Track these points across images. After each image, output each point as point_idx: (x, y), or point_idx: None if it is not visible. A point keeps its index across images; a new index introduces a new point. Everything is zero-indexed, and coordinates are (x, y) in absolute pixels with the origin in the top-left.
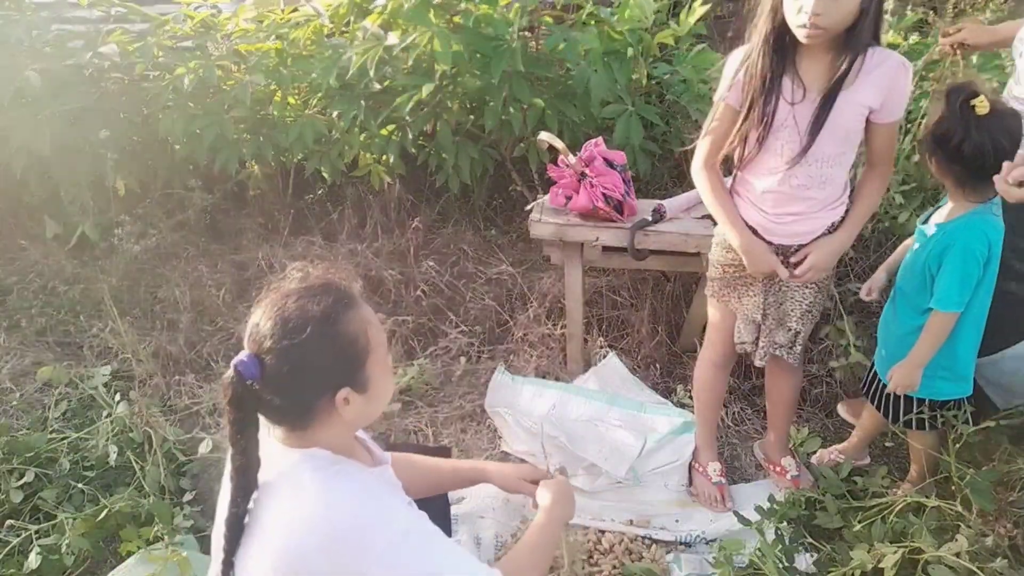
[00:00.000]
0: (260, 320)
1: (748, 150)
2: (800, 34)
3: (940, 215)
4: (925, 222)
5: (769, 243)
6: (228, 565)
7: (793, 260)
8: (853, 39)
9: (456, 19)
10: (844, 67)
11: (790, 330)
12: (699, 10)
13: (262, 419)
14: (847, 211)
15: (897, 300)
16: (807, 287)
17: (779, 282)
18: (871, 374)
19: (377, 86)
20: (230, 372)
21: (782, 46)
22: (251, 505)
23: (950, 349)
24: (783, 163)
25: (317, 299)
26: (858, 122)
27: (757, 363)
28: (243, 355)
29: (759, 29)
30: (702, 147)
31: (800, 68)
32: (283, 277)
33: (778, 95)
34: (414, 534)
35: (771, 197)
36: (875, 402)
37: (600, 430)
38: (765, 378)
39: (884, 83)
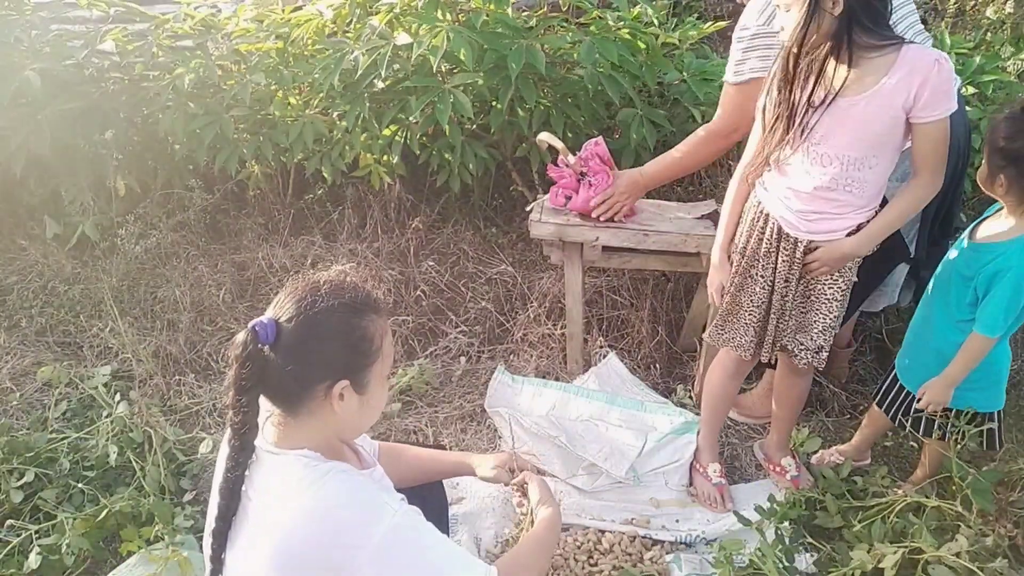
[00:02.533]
0: (288, 294)
1: (778, 150)
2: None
3: (990, 229)
4: (970, 234)
5: (794, 238)
6: (220, 536)
7: (809, 258)
8: (851, 43)
9: (462, 17)
10: (845, 72)
11: (813, 341)
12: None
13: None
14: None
15: (934, 311)
16: (828, 307)
17: (794, 298)
18: (889, 379)
19: (380, 84)
20: (245, 331)
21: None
22: (243, 491)
23: (984, 363)
24: (807, 163)
25: (351, 291)
26: (890, 125)
27: (763, 358)
28: (263, 318)
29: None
30: (748, 150)
31: (825, 71)
32: (323, 269)
33: (802, 98)
34: (408, 530)
35: (795, 195)
36: (887, 407)
37: (600, 430)
38: (775, 378)
39: (915, 80)
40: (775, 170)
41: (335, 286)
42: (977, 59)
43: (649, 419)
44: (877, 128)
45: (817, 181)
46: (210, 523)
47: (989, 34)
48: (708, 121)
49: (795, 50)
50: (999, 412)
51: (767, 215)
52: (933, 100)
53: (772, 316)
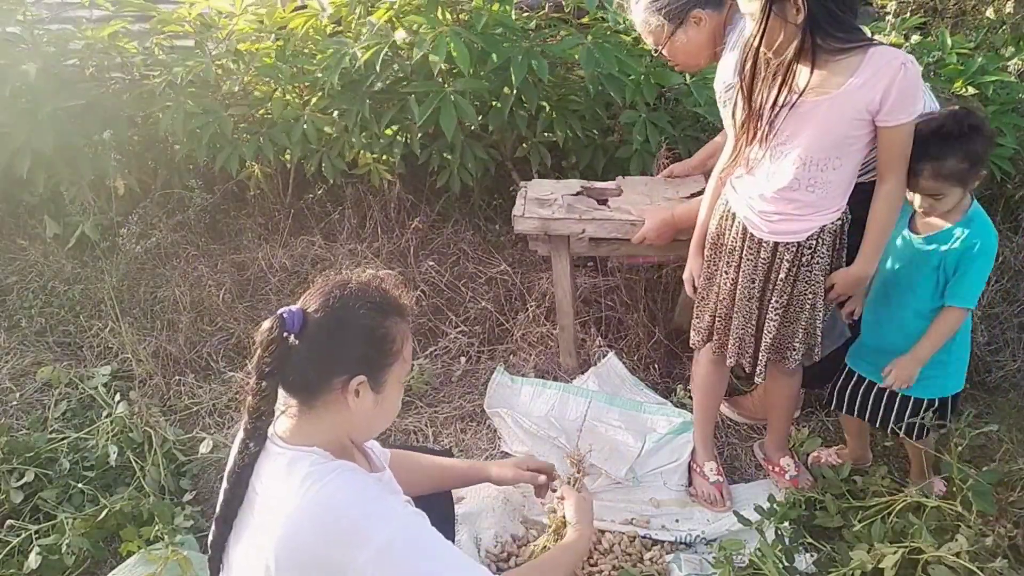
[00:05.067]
0: (318, 288)
1: (747, 149)
2: None
3: (936, 220)
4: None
5: (759, 239)
6: (222, 524)
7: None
8: (814, 46)
9: (463, 17)
10: (808, 74)
11: (800, 345)
12: None
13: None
14: (843, 217)
15: (898, 309)
16: (802, 311)
17: (768, 301)
18: (845, 385)
19: (379, 85)
20: (272, 317)
21: None
22: (251, 484)
23: (954, 346)
24: (771, 163)
25: (379, 292)
26: (854, 127)
27: (757, 380)
28: (292, 306)
29: (746, 38)
30: (725, 151)
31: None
32: (356, 269)
33: (768, 98)
34: (412, 534)
35: (759, 196)
36: (855, 411)
37: (600, 430)
38: (765, 379)
39: (881, 84)
40: (745, 171)
41: (364, 285)
42: (979, 59)
43: (648, 420)
44: (841, 129)
45: (780, 182)
46: (217, 509)
47: (989, 34)
48: (710, 121)
49: (755, 53)
50: (955, 395)
51: (734, 214)
52: (899, 104)
53: (738, 314)
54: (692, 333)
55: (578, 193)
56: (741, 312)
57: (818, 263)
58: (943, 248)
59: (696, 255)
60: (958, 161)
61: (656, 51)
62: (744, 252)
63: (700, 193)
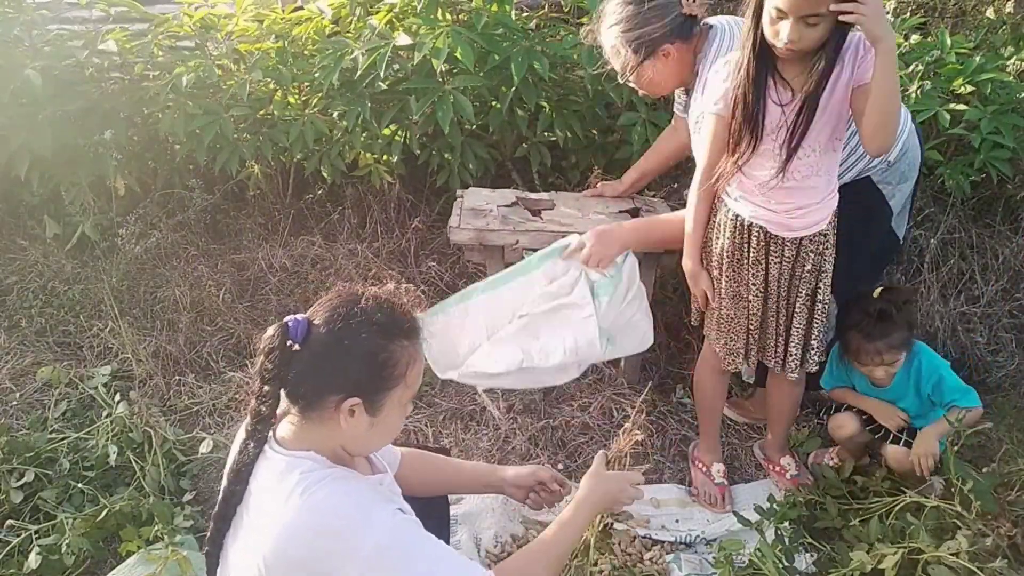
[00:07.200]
0: (329, 299)
1: (744, 154)
2: (779, 52)
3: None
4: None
5: (782, 239)
6: (220, 521)
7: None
8: (830, 44)
9: (463, 17)
10: (826, 71)
11: (813, 349)
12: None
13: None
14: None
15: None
16: (821, 305)
17: (796, 299)
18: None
19: (382, 86)
20: (277, 324)
21: (765, 52)
22: (249, 485)
23: None
24: (779, 160)
25: (389, 311)
26: (844, 104)
27: (790, 376)
28: (298, 315)
29: (742, 41)
30: (703, 163)
31: (783, 70)
32: (378, 282)
33: (765, 98)
34: (400, 541)
35: (777, 193)
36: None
37: (542, 321)
38: (768, 385)
39: (848, 54)
40: (742, 176)
41: (374, 303)
42: (977, 59)
43: (553, 269)
44: (836, 109)
45: (798, 173)
46: (216, 506)
47: (989, 34)
48: None
49: (755, 57)
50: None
51: (748, 224)
52: (868, 65)
53: (770, 319)
54: (727, 356)
55: (513, 204)
56: (771, 315)
57: (828, 250)
58: (931, 386)
59: (699, 271)
60: (903, 332)
61: (622, 77)
62: (770, 258)
63: (630, 211)
